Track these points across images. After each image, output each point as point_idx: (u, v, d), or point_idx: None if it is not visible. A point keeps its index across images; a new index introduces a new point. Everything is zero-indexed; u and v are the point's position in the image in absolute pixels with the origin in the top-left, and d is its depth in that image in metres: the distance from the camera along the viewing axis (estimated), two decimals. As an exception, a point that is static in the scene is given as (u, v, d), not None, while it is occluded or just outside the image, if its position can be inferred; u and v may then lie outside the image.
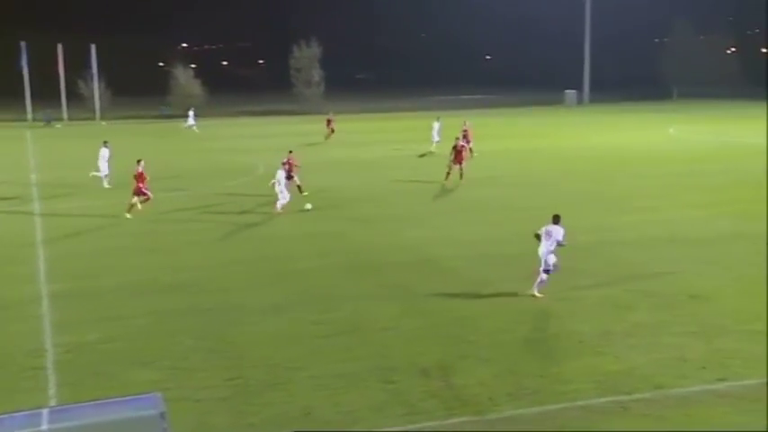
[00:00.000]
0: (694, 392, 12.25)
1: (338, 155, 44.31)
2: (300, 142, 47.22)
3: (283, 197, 27.08)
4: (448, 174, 32.22)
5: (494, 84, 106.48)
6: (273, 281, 18.95)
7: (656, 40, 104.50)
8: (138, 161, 27.07)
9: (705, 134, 52.32)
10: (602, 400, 12.03)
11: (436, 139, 43.88)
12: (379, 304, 16.87)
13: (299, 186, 29.38)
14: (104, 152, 33.45)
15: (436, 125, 44.71)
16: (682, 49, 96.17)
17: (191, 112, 63.74)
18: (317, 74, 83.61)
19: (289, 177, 28.37)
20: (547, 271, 16.73)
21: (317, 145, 49.04)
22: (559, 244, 16.67)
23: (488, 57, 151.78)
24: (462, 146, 33.29)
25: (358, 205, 28.72)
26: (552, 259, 16.69)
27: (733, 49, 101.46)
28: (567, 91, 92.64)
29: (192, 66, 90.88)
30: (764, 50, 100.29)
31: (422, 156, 42.35)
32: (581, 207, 27.21)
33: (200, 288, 18.42)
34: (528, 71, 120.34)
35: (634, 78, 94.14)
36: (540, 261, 16.75)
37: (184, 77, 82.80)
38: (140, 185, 26.69)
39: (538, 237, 16.84)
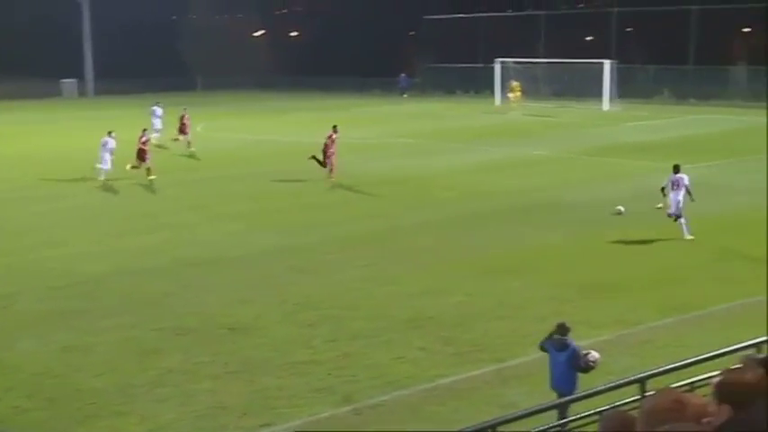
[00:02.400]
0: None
1: None
2: None
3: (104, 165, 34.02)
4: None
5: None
6: None
7: (174, 17, 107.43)
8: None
9: (236, 131, 55.28)
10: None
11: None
12: None
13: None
14: None
15: None
16: (201, 30, 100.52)
17: None
18: None
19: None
20: (678, 216, 23.22)
21: None
22: (688, 190, 23.22)
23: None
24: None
25: None
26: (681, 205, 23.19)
27: (261, 32, 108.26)
28: (65, 80, 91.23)
29: None
30: (293, 34, 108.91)
31: None
32: (83, 227, 27.04)
33: None
34: (13, 54, 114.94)
35: (156, 65, 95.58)
36: (671, 208, 23.31)
37: None
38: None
39: (663, 189, 23.59)
